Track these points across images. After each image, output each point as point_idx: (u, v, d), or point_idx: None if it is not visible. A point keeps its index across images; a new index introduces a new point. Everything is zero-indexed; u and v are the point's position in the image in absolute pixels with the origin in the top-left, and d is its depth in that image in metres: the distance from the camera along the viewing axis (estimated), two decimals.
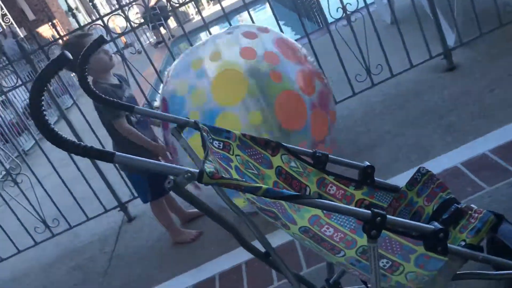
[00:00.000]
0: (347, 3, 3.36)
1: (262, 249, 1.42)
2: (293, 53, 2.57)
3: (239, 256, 2.46)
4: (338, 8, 3.37)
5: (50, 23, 3.65)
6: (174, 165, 1.05)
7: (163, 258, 2.92)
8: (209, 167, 1.07)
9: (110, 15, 3.34)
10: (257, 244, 1.44)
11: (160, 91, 2.76)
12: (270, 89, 2.38)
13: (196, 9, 3.70)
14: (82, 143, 0.96)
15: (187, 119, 1.48)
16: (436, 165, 2.49)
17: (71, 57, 0.91)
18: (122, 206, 3.57)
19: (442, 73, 3.55)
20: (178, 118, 1.48)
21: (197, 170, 1.04)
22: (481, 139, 2.55)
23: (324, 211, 1.38)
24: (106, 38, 3.24)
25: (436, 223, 1.17)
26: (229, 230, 1.22)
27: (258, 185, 1.06)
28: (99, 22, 3.31)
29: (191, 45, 3.66)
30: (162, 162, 1.08)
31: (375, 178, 1.63)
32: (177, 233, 2.93)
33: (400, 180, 2.44)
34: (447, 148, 2.63)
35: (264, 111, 2.35)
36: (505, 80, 3.06)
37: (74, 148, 0.95)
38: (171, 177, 1.03)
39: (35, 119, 0.90)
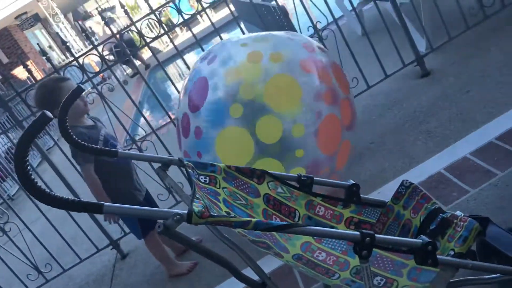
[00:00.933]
0: (317, 21, 3.43)
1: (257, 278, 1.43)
2: (342, 79, 2.54)
3: (236, 283, 2.44)
4: (309, 27, 3.43)
5: (25, 68, 3.64)
6: (162, 209, 1.07)
7: None
8: (197, 206, 1.08)
9: (85, 55, 3.36)
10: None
11: (196, 66, 2.57)
12: (320, 108, 2.33)
13: (169, 38, 3.70)
14: (70, 197, 0.97)
15: (171, 157, 1.49)
16: (421, 172, 2.55)
17: (52, 116, 0.93)
18: (114, 243, 3.55)
19: (417, 79, 3.63)
20: (163, 158, 1.50)
21: (186, 212, 1.05)
22: (461, 142, 2.61)
23: (315, 237, 1.40)
24: (82, 77, 3.31)
25: (424, 237, 1.19)
26: (223, 265, 1.23)
27: (247, 219, 1.08)
28: (74, 62, 3.33)
29: (167, 74, 3.71)
30: (151, 208, 1.09)
31: (361, 195, 1.65)
32: (172, 266, 2.91)
33: (389, 188, 2.49)
34: (429, 153, 2.69)
35: (308, 127, 2.29)
36: (478, 80, 3.14)
37: (63, 203, 0.96)
38: (161, 221, 1.04)
39: (22, 180, 0.91)
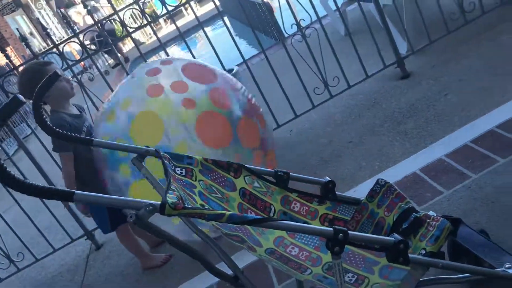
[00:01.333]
0: (301, 19, 3.43)
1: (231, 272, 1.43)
2: (201, 74, 2.59)
3: (210, 276, 2.44)
4: (292, 24, 3.44)
5: (3, 54, 3.59)
6: (135, 199, 1.06)
7: (134, 285, 2.87)
8: (171, 198, 1.08)
9: (66, 43, 3.30)
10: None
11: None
12: (187, 117, 2.41)
13: (154, 33, 3.67)
14: (40, 184, 0.95)
15: (147, 148, 1.48)
16: (397, 172, 2.58)
17: (24, 100, 0.91)
18: (89, 234, 3.50)
19: (397, 81, 3.66)
20: (139, 148, 1.48)
21: (159, 202, 1.05)
22: (437, 144, 2.65)
23: (288, 231, 1.41)
24: (62, 64, 3.25)
25: (396, 235, 1.21)
26: (196, 258, 1.23)
27: (221, 212, 1.07)
28: (55, 49, 3.27)
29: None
30: (123, 197, 1.08)
31: (337, 192, 1.67)
32: (146, 258, 2.89)
33: (365, 187, 2.52)
34: (406, 154, 2.72)
35: (187, 139, 2.37)
36: (456, 84, 3.19)
37: (32, 189, 0.94)
38: (133, 211, 1.03)
39: None
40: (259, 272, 2.31)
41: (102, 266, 3.28)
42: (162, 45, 3.69)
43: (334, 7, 3.98)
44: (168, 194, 1.10)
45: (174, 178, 1.37)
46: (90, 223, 3.51)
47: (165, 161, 1.41)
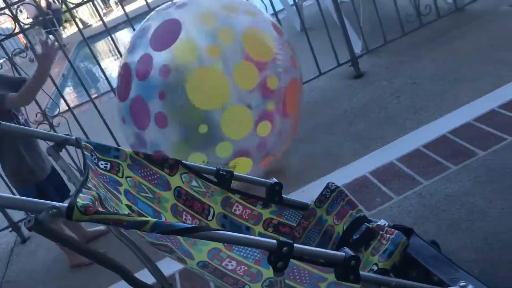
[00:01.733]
0: None
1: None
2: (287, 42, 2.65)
3: (143, 278, 2.26)
4: None
5: None
6: (36, 200, 0.85)
7: (60, 283, 2.66)
8: (83, 199, 0.89)
9: None
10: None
11: (160, 12, 2.54)
12: (287, 68, 2.46)
13: (99, 14, 3.41)
14: None
15: (67, 136, 1.27)
16: (346, 174, 2.48)
17: None
18: (14, 225, 3.22)
19: (350, 80, 3.58)
20: (56, 136, 1.27)
21: (66, 205, 0.85)
22: (388, 147, 2.57)
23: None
24: None
25: (347, 250, 1.07)
26: (112, 268, 1.05)
27: (144, 219, 0.89)
28: None
29: (90, 50, 3.40)
30: (21, 197, 0.87)
31: (283, 195, 1.52)
32: (74, 255, 2.66)
33: (313, 188, 2.40)
34: (356, 155, 2.63)
35: (280, 81, 2.38)
36: (409, 87, 3.13)
37: None
38: (32, 215, 0.84)
39: None
40: (197, 278, 2.13)
41: (27, 261, 3.03)
42: (107, 29, 3.43)
43: (291, 1, 3.85)
44: (80, 195, 0.90)
45: (96, 173, 1.17)
46: (16, 213, 3.23)
47: (86, 153, 1.20)
